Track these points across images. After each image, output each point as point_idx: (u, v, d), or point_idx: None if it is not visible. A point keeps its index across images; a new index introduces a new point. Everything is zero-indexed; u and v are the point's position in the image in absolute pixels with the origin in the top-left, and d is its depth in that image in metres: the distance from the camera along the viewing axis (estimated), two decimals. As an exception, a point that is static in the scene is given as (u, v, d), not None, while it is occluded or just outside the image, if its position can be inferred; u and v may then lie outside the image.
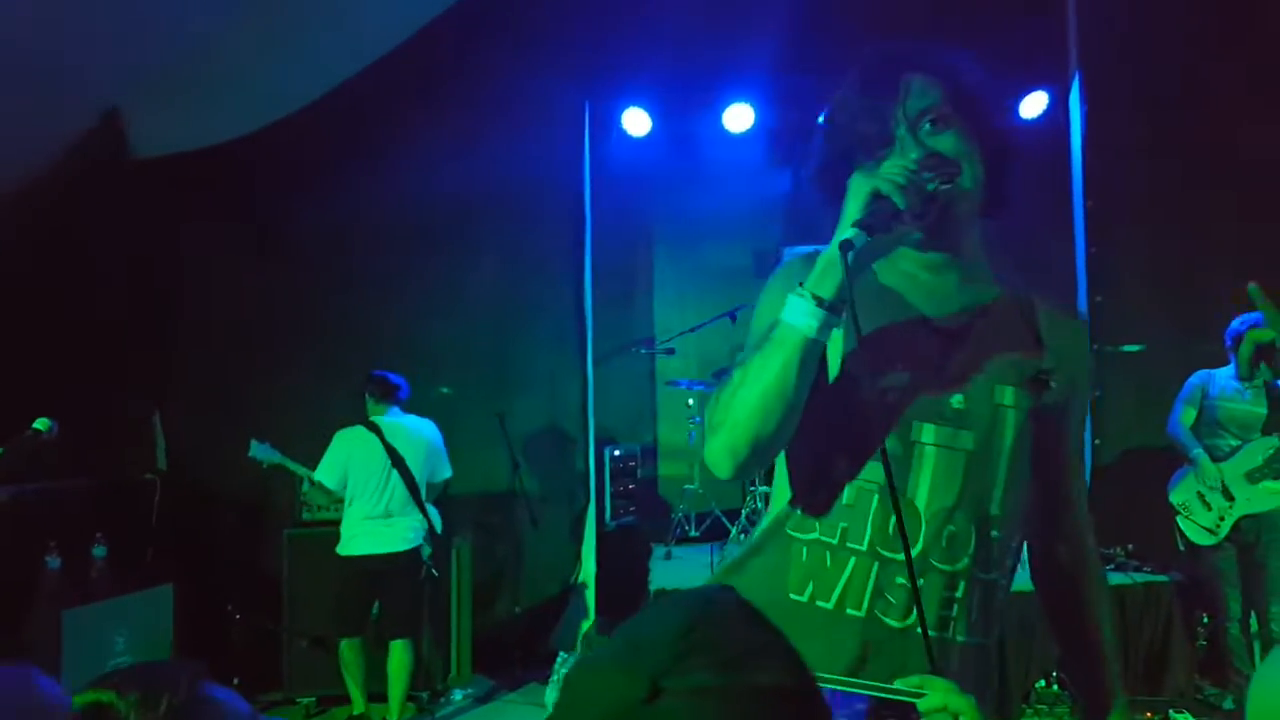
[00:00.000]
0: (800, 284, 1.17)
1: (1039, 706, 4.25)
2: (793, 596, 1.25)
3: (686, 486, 5.75)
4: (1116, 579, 4.40)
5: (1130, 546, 4.71)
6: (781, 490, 1.33)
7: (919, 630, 1.14)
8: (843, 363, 1.25)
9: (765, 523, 1.34)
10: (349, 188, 5.16)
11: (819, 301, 1.14)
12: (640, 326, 6.44)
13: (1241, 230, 4.96)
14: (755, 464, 1.22)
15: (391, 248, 5.33)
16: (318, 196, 5.17)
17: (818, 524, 1.26)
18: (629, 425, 6.18)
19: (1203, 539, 4.08)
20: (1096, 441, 5.09)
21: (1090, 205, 5.10)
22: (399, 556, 4.25)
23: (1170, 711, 4.19)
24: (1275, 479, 3.92)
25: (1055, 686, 4.29)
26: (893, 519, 1.17)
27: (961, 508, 1.21)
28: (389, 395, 4.44)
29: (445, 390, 5.31)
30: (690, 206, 6.33)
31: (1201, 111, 5.00)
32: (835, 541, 1.23)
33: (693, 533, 5.60)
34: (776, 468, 1.35)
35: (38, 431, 2.88)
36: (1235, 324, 4.11)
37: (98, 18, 3.91)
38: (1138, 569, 4.59)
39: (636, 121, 5.76)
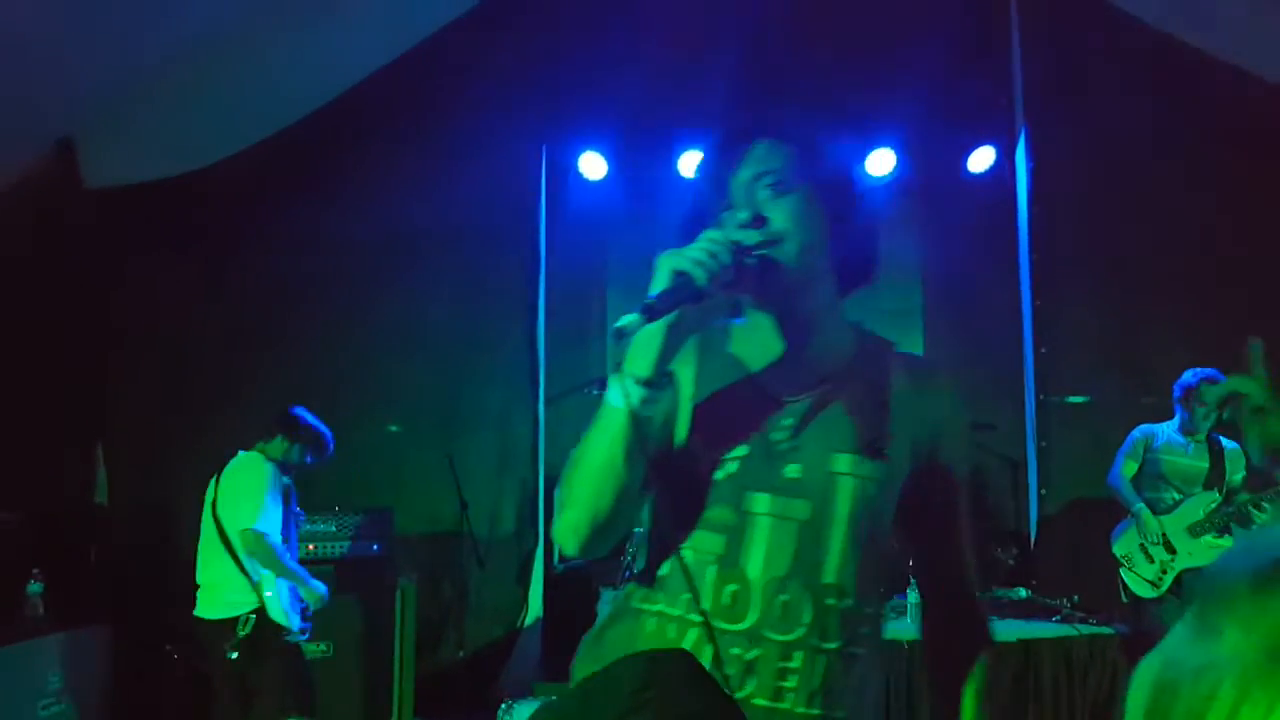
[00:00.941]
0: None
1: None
2: None
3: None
4: (1061, 630, 4.40)
5: (1075, 598, 4.74)
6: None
7: (755, 702, 1.16)
8: (685, 434, 1.26)
9: (620, 595, 1.35)
10: (302, 222, 5.10)
11: (635, 379, 1.14)
12: (594, 367, 6.42)
13: (1184, 284, 5.12)
14: (600, 541, 1.22)
15: (343, 285, 5.26)
16: (270, 231, 5.10)
17: (662, 596, 1.25)
18: (580, 467, 6.12)
19: (1145, 591, 4.12)
20: (1042, 492, 5.16)
21: (1035, 259, 5.22)
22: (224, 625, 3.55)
23: None
24: (1216, 534, 3.97)
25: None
26: (728, 589, 1.19)
27: (795, 577, 1.20)
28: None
29: (394, 428, 5.23)
30: (645, 249, 6.29)
31: (1147, 165, 5.17)
32: (678, 613, 1.23)
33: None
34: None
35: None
36: (1187, 376, 4.14)
37: (54, 46, 3.86)
38: (1083, 620, 4.60)
39: (592, 165, 5.80)
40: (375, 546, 4.72)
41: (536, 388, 5.43)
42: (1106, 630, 4.47)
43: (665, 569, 1.25)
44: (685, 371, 1.29)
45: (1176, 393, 4.19)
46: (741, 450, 1.23)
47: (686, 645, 1.20)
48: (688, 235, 1.19)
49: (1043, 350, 5.16)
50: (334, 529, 4.60)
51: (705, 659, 1.16)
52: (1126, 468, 4.24)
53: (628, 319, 1.09)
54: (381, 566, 4.72)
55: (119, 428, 5.04)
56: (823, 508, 1.21)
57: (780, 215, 1.21)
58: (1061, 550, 5.03)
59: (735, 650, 1.18)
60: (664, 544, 1.26)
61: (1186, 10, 5.23)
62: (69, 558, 4.52)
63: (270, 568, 3.51)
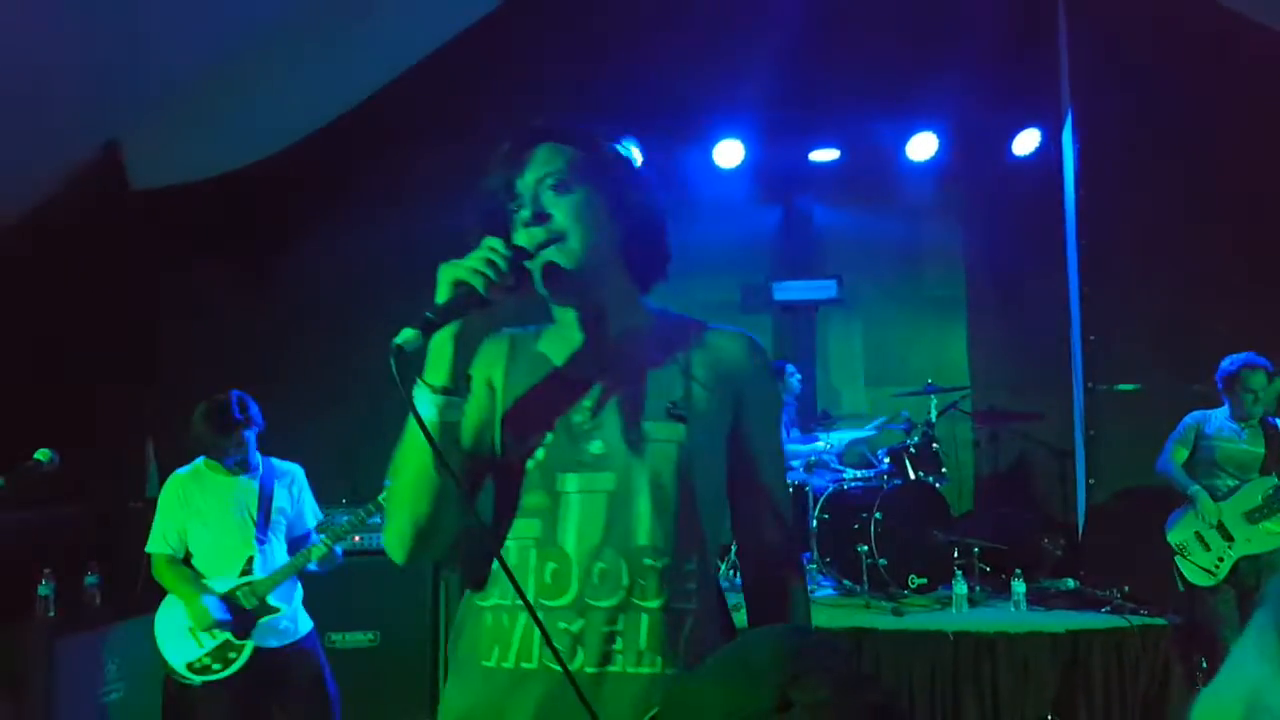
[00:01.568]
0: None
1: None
2: (484, 664, 1.29)
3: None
4: (1112, 621, 4.34)
5: (1125, 589, 4.65)
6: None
7: (586, 671, 1.22)
8: (500, 434, 1.34)
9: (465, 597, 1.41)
10: (358, 221, 5.15)
11: (433, 388, 1.20)
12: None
13: (1237, 269, 4.97)
14: (425, 546, 1.28)
15: (390, 288, 5.30)
16: (316, 231, 5.17)
17: (495, 589, 1.31)
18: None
19: (1202, 580, 4.07)
20: (1091, 481, 5.06)
21: (1083, 244, 5.10)
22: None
23: None
24: (1274, 519, 3.90)
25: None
26: (549, 569, 1.26)
27: (608, 545, 1.26)
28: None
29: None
30: (678, 239, 6.32)
31: (1196, 148, 5.02)
32: (509, 602, 1.27)
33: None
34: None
35: (39, 462, 2.82)
36: (1225, 364, 4.11)
37: (96, 48, 3.94)
38: (1134, 611, 4.52)
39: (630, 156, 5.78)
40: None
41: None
42: (1159, 621, 4.38)
43: (495, 564, 1.30)
44: (496, 375, 1.37)
45: (1219, 382, 4.12)
46: (548, 437, 1.30)
47: (519, 631, 1.27)
48: (486, 232, 1.26)
49: (1091, 338, 5.05)
50: (379, 520, 4.65)
51: (536, 641, 1.25)
52: (1177, 454, 4.20)
53: (405, 334, 1.13)
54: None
55: (169, 426, 5.14)
56: (627, 476, 1.28)
57: (561, 213, 1.28)
58: (1111, 540, 4.93)
59: (563, 625, 1.24)
60: (487, 538, 1.33)
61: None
62: (124, 551, 4.64)
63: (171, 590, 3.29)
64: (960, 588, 4.66)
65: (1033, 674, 4.21)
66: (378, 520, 4.53)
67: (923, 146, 5.96)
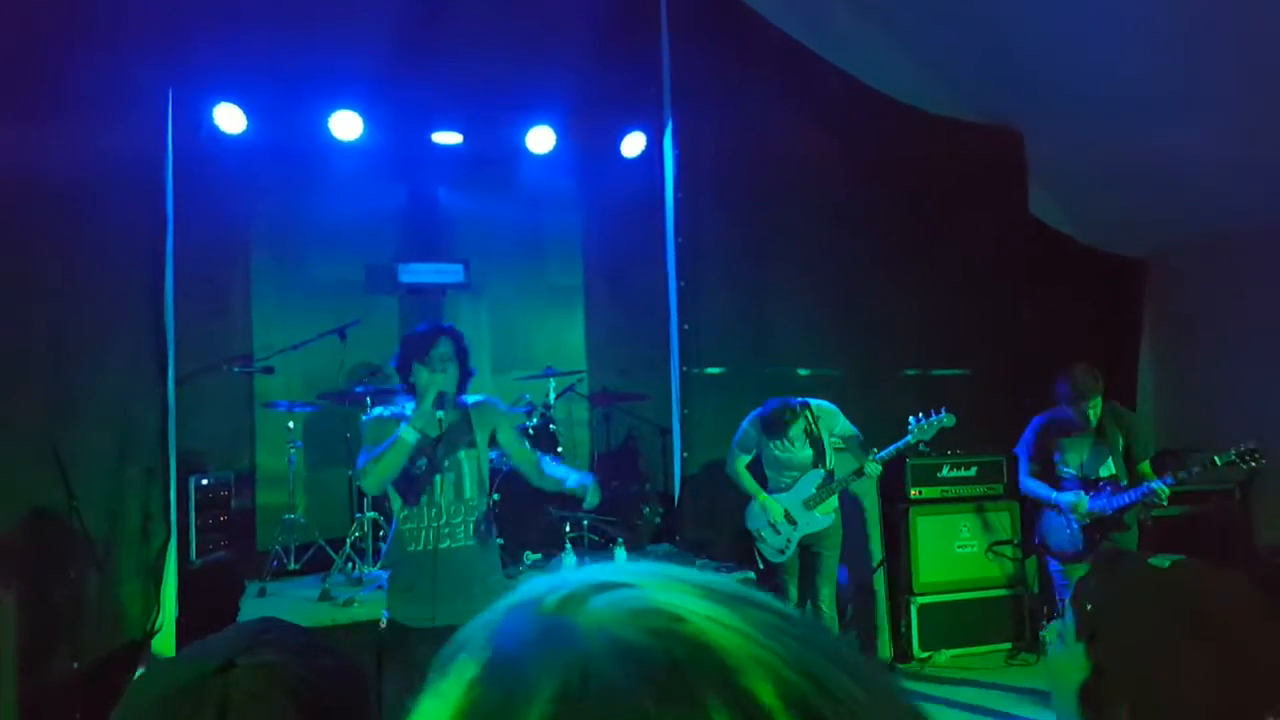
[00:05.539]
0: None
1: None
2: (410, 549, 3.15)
3: (286, 516, 5.34)
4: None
5: (711, 551, 5.21)
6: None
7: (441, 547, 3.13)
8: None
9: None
10: None
11: (418, 431, 3.02)
12: (237, 342, 5.88)
13: (799, 270, 5.79)
14: (382, 487, 3.13)
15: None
16: None
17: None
18: (222, 451, 5.61)
19: (775, 558, 4.62)
20: (685, 454, 5.58)
21: (679, 241, 5.60)
22: None
23: None
24: (825, 504, 4.51)
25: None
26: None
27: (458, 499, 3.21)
28: None
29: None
30: (295, 214, 5.93)
31: (773, 161, 5.75)
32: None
33: (292, 565, 5.21)
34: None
35: None
36: (767, 409, 4.51)
37: None
38: (719, 569, 5.05)
39: (230, 118, 5.27)
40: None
41: (164, 366, 4.83)
42: (745, 575, 4.88)
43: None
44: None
45: (760, 421, 4.51)
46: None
47: (423, 534, 3.14)
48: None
49: (685, 326, 5.57)
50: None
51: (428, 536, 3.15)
52: (740, 460, 4.63)
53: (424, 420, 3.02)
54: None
55: None
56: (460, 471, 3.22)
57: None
58: (701, 507, 5.49)
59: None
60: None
61: (811, 20, 5.89)
62: None
63: None
64: (569, 559, 4.92)
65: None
66: None
67: (541, 139, 6.17)
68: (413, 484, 3.06)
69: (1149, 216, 6.26)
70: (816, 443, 4.52)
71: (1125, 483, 4.27)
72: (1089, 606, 1.05)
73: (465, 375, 3.15)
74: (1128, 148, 5.76)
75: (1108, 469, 4.34)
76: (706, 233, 5.64)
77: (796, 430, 4.47)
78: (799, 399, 4.55)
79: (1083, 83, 5.59)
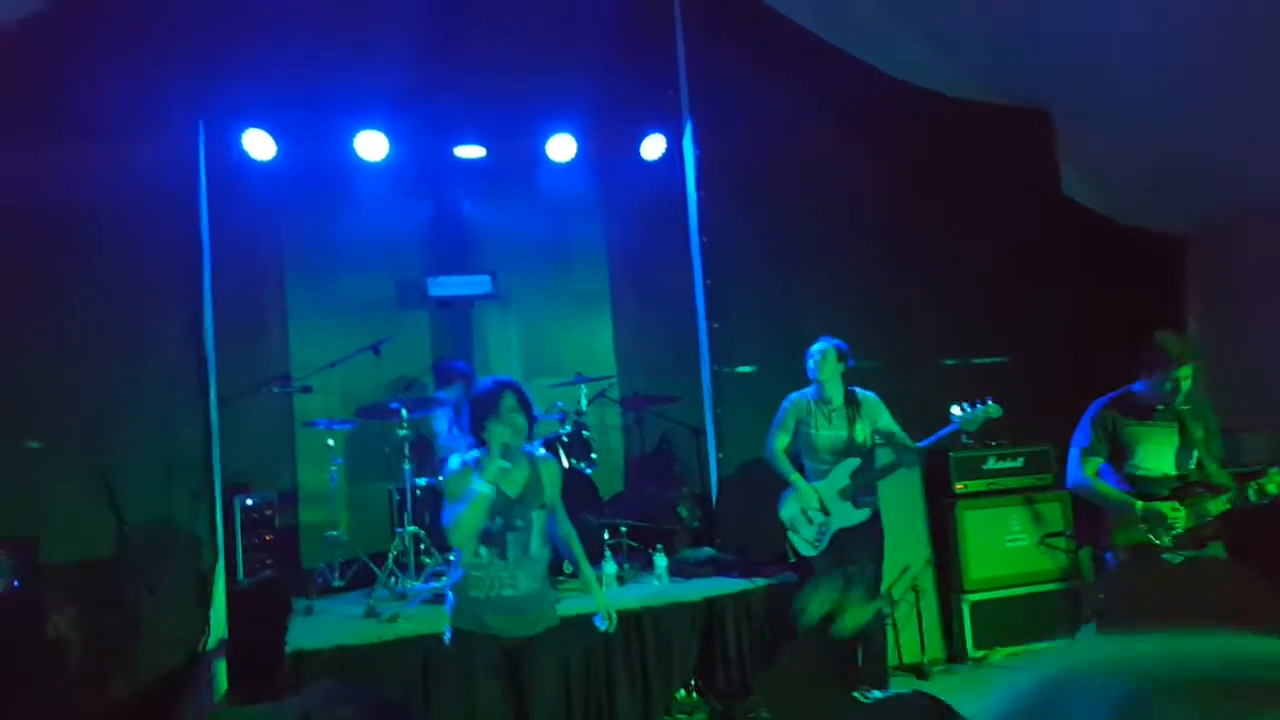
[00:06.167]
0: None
1: (679, 716, 4.50)
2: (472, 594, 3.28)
3: (329, 533, 5.42)
4: (742, 585, 4.76)
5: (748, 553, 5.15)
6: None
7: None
8: None
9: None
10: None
11: (493, 484, 3.12)
12: (275, 362, 5.99)
13: (833, 261, 5.73)
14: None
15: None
16: None
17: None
18: (265, 471, 5.72)
19: (807, 551, 4.53)
20: (720, 455, 5.55)
21: (705, 241, 5.58)
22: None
23: None
24: (861, 493, 4.40)
25: (694, 695, 4.58)
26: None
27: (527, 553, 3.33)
28: None
29: (34, 445, 4.57)
30: (325, 235, 6.03)
31: (797, 153, 5.71)
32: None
33: (337, 582, 5.28)
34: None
35: None
36: (817, 345, 4.52)
37: None
38: (759, 574, 4.91)
39: (259, 144, 5.37)
40: (16, 583, 4.29)
41: (206, 388, 4.94)
42: (786, 579, 4.82)
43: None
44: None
45: (808, 361, 4.49)
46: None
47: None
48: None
49: (714, 325, 5.54)
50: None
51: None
52: (779, 440, 4.58)
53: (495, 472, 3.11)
54: (24, 604, 4.28)
55: None
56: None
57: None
58: (738, 508, 5.44)
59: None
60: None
61: (827, 11, 5.83)
62: None
63: None
64: (610, 567, 4.91)
65: (676, 644, 4.50)
66: None
67: (562, 148, 6.19)
68: (486, 539, 3.20)
69: (1188, 193, 6.09)
70: (853, 422, 4.44)
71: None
72: (1101, 595, 1.02)
73: (531, 422, 3.25)
74: (1162, 126, 5.61)
75: (1182, 466, 3.46)
76: (731, 230, 5.62)
77: (831, 374, 4.41)
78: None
79: (1113, 56, 5.45)
